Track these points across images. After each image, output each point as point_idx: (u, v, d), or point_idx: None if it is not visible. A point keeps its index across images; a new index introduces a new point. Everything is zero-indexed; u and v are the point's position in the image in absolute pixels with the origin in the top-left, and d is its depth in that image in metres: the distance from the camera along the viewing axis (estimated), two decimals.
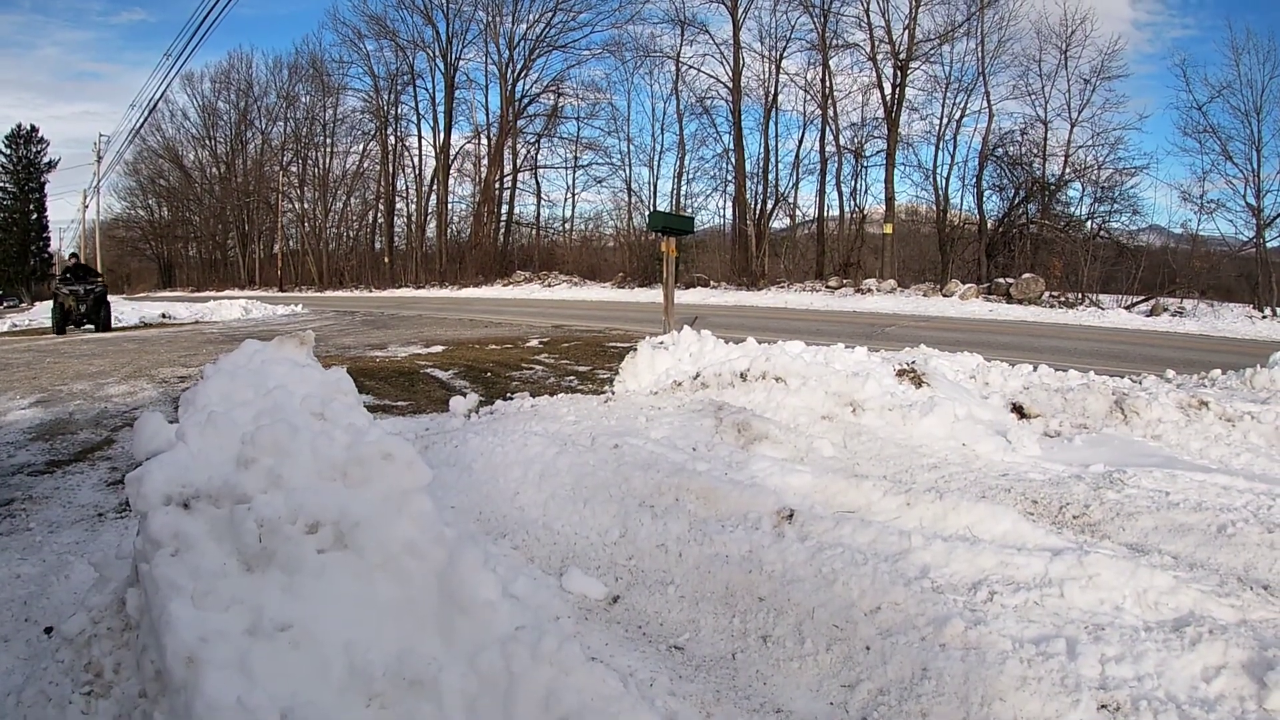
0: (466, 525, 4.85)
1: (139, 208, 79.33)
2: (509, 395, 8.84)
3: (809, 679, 3.44)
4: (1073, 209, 39.31)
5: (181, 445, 3.13)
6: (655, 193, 51.26)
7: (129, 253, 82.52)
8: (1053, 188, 38.85)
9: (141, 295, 60.82)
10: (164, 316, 29.85)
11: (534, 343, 16.97)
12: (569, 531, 4.84)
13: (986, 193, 40.80)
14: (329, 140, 64.38)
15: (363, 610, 2.74)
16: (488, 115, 56.41)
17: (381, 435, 3.12)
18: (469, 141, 57.85)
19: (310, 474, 2.95)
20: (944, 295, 31.74)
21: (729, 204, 47.97)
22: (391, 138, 60.63)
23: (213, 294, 53.86)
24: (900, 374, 7.36)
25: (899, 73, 39.69)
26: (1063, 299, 30.00)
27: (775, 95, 44.81)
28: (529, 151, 56.23)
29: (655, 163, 52.10)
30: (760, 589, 3.94)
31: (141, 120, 46.80)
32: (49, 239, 75.29)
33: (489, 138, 55.97)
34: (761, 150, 45.92)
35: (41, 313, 37.05)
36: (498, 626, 2.77)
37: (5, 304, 54.70)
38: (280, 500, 2.83)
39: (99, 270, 27.76)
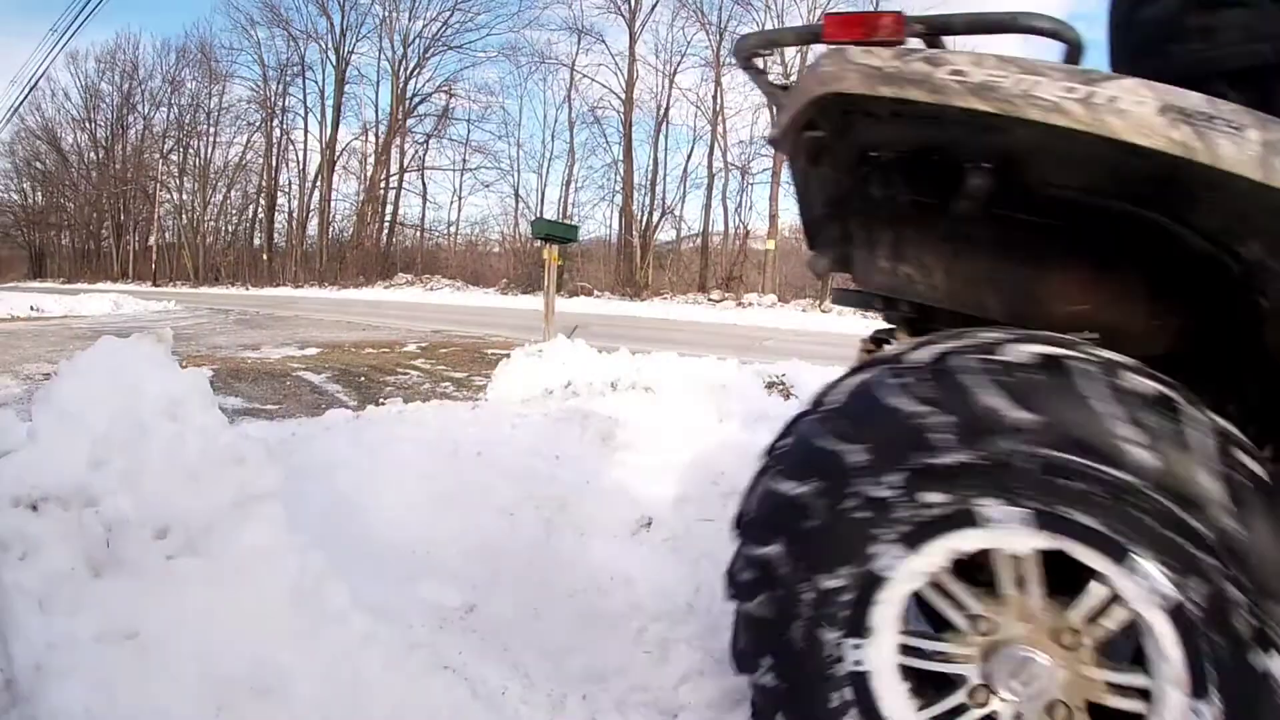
0: (322, 532, 4.83)
1: (12, 191, 76.06)
2: (382, 400, 8.79)
3: None
4: None
5: (32, 445, 3.09)
6: (543, 199, 51.27)
7: None
8: None
9: (10, 285, 58.48)
10: (32, 309, 28.82)
11: (412, 347, 16.81)
12: (426, 539, 4.85)
13: None
14: (212, 129, 62.67)
15: (213, 618, 2.73)
16: (377, 113, 55.79)
17: (234, 439, 3.12)
18: (356, 138, 57.09)
19: (162, 477, 2.93)
20: (822, 311, 32.30)
21: (616, 214, 48.30)
22: (277, 130, 59.51)
23: (85, 286, 51.85)
24: (770, 386, 7.53)
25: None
26: None
27: (667, 109, 45.38)
28: (417, 152, 55.68)
29: (544, 169, 52.14)
30: None
31: (22, 98, 45.07)
32: None
33: (377, 135, 55.37)
34: (650, 162, 46.42)
35: None
36: (350, 635, 2.80)
37: None
38: (129, 503, 2.80)
39: None
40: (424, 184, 56.16)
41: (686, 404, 6.98)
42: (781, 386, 7.53)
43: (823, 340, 21.69)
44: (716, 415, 6.84)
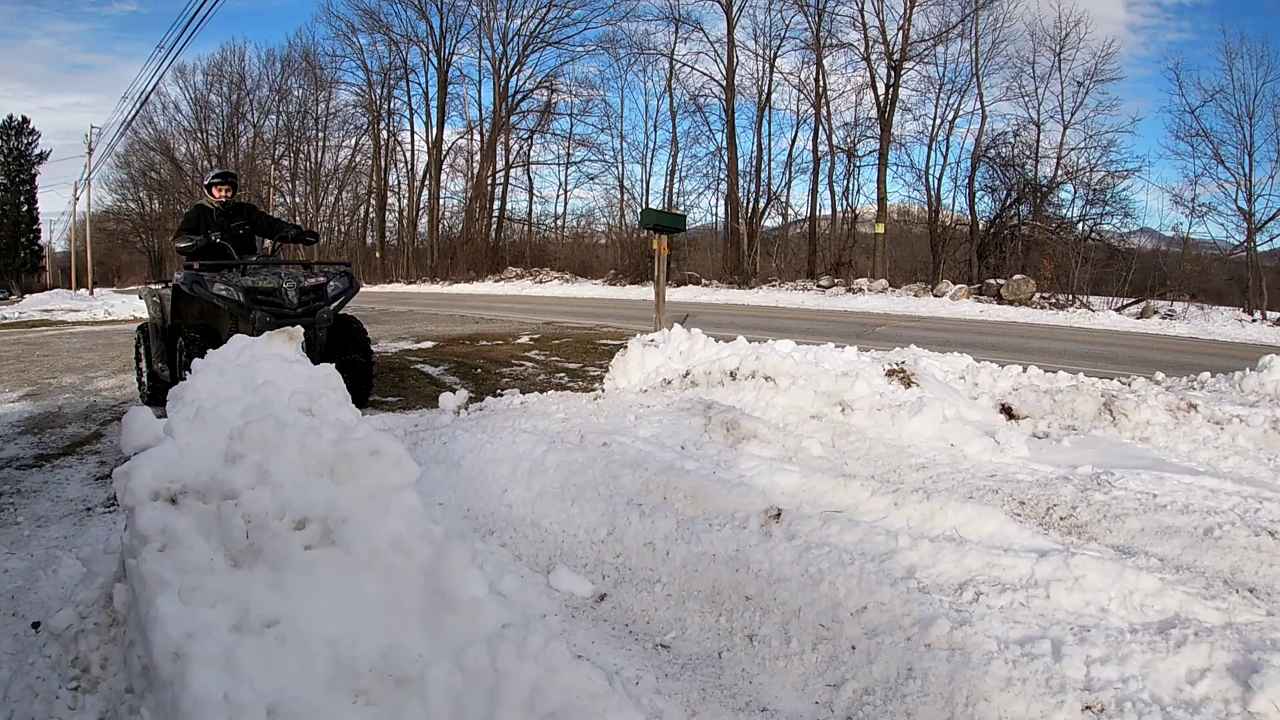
0: (454, 522, 4.85)
1: (130, 200, 78.23)
2: (499, 392, 8.82)
3: (794, 678, 3.44)
4: (1064, 211, 39.14)
5: (169, 440, 3.13)
6: (648, 190, 51.19)
7: (119, 245, 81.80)
8: (1045, 189, 38.77)
9: (133, 289, 60.43)
10: None
11: (525, 339, 16.94)
12: (557, 529, 4.84)
13: (978, 194, 40.72)
14: (321, 134, 64.05)
15: (349, 606, 2.74)
16: (480, 111, 56.37)
17: (369, 431, 3.12)
18: (462, 137, 57.85)
19: (298, 470, 2.95)
20: (935, 295, 31.75)
21: (721, 202, 48.14)
22: (384, 132, 60.52)
23: None
24: (890, 374, 7.37)
25: (893, 73, 39.68)
26: (1053, 300, 29.95)
27: (769, 94, 44.80)
28: (521, 148, 56.17)
29: (648, 160, 52.12)
30: (747, 588, 3.94)
31: (133, 112, 46.42)
32: (39, 231, 74.78)
33: (482, 133, 55.98)
34: (754, 149, 45.93)
35: (33, 305, 36.36)
36: (484, 624, 2.77)
37: None
38: (267, 496, 2.82)
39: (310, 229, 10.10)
40: (530, 179, 56.77)
41: (808, 393, 6.88)
42: (902, 374, 7.34)
43: (938, 326, 21.32)
44: (839, 404, 6.73)
